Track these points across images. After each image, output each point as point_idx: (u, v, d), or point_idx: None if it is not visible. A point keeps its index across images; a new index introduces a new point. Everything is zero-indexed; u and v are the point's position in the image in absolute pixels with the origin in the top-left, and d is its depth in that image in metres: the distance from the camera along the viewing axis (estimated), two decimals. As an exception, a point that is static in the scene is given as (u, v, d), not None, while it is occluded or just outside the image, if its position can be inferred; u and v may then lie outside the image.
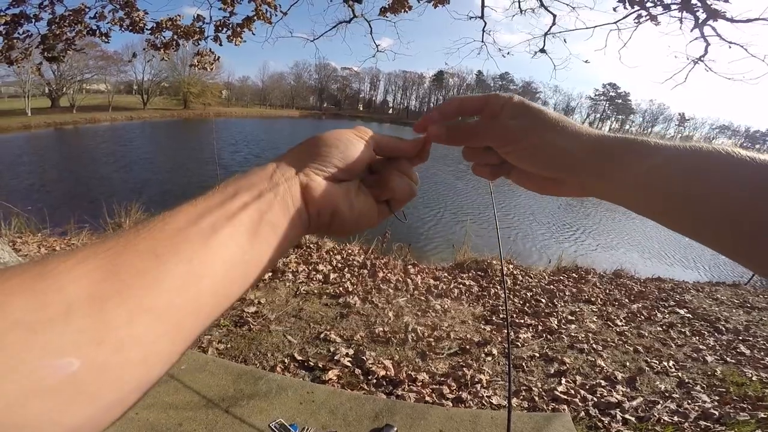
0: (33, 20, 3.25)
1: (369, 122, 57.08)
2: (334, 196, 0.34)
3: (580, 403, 2.17)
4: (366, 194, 0.38)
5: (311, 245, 4.41)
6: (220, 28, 3.95)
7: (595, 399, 2.21)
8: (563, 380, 2.37)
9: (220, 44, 4.07)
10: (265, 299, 3.07)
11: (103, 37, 3.67)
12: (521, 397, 2.20)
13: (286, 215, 0.30)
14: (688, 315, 3.57)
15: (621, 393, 2.29)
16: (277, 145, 23.01)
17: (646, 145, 0.33)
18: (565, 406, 2.12)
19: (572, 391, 2.27)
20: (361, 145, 0.36)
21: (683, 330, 3.25)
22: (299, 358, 2.36)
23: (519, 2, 4.99)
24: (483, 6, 5.01)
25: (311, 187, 0.32)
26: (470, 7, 5.43)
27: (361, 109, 74.74)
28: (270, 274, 3.49)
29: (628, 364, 2.64)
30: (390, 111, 75.43)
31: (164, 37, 3.87)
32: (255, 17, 3.97)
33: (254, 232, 0.28)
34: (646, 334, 3.06)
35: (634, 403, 2.20)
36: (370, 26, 5.17)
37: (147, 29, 3.72)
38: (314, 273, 3.64)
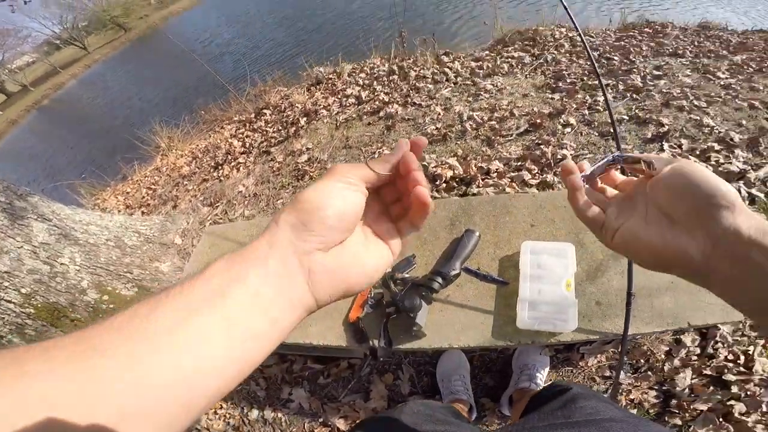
0: None
1: None
2: (343, 272, 0.33)
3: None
4: (376, 237, 0.36)
5: (330, 76, 4.15)
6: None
7: (711, 168, 1.73)
8: (665, 145, 1.93)
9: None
10: (311, 143, 3.07)
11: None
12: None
13: (288, 311, 0.30)
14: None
15: (742, 160, 1.78)
16: (246, 10, 19.70)
17: None
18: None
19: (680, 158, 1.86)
20: (352, 195, 0.33)
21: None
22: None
23: None
24: None
25: (316, 272, 0.31)
26: None
27: None
28: (305, 117, 3.44)
29: (744, 122, 2.01)
30: None
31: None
32: None
33: (251, 336, 0.28)
34: (761, 88, 2.27)
35: (761, 173, 1.70)
36: None
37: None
38: (345, 99, 3.50)
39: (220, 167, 3.43)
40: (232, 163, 3.38)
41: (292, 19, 13.73)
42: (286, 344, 1.25)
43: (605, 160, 0.43)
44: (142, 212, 3.35)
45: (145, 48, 27.20)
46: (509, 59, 3.27)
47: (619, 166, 0.44)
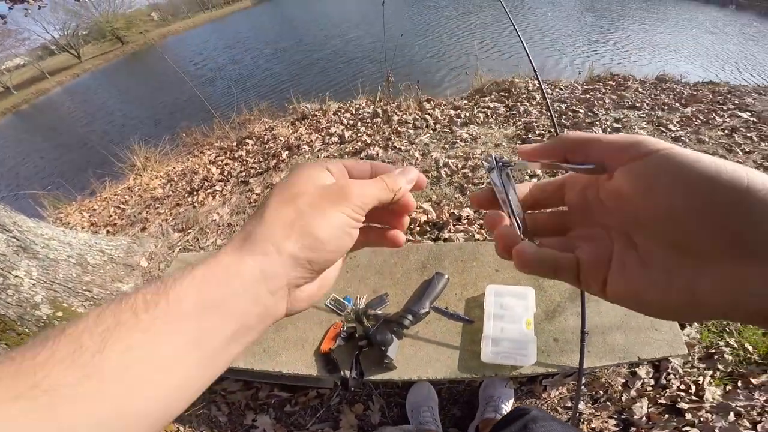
0: None
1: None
2: (316, 291, 0.33)
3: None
4: None
5: (316, 113, 4.25)
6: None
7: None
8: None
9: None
10: (289, 179, 3.12)
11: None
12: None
13: (262, 331, 0.29)
14: (752, 119, 2.97)
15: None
16: (246, 38, 20.33)
17: None
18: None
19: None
20: (356, 233, 0.31)
21: (749, 135, 2.74)
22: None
23: None
24: None
25: (298, 298, 0.31)
26: None
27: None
28: (287, 151, 3.49)
29: (691, 174, 2.36)
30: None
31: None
32: None
33: (221, 360, 0.26)
34: (707, 140, 2.64)
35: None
36: None
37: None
38: (328, 137, 3.60)
39: (195, 193, 3.38)
40: (209, 190, 3.35)
41: (289, 52, 13.97)
42: (254, 372, 1.26)
43: (506, 186, 0.33)
44: (108, 231, 3.23)
45: (138, 63, 26.92)
46: (485, 109, 3.52)
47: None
